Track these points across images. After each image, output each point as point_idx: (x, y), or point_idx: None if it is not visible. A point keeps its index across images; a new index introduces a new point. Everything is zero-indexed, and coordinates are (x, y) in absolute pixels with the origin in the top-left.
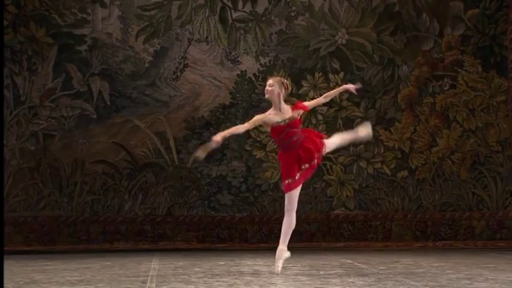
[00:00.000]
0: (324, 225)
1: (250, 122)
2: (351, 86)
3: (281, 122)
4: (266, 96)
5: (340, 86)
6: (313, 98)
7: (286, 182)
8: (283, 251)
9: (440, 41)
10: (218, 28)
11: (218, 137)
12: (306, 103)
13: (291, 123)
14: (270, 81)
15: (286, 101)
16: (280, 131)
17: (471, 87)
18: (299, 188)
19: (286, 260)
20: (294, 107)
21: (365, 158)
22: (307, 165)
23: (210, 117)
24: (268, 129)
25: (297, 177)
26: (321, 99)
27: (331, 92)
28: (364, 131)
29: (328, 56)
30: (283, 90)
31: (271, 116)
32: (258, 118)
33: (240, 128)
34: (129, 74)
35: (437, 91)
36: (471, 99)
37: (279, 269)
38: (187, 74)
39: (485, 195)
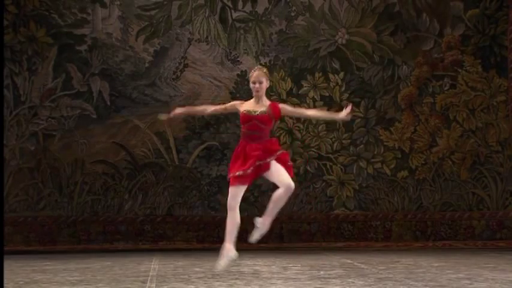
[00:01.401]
0: (324, 225)
1: (225, 104)
2: (343, 115)
3: (251, 111)
4: (259, 94)
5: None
6: (313, 98)
7: (237, 173)
8: (229, 250)
9: (440, 41)
10: (218, 28)
11: (179, 110)
12: (288, 108)
13: (259, 117)
14: (258, 76)
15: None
16: (247, 119)
17: (471, 87)
18: (245, 187)
19: (286, 261)
20: (272, 105)
21: (365, 158)
22: (261, 162)
23: (210, 117)
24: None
25: (249, 171)
26: (310, 112)
27: (325, 113)
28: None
29: (328, 56)
30: (268, 81)
31: (246, 104)
32: (233, 103)
33: (209, 108)
34: (129, 74)
35: (437, 91)
36: (471, 99)
37: (222, 266)
38: (187, 74)
39: (485, 195)
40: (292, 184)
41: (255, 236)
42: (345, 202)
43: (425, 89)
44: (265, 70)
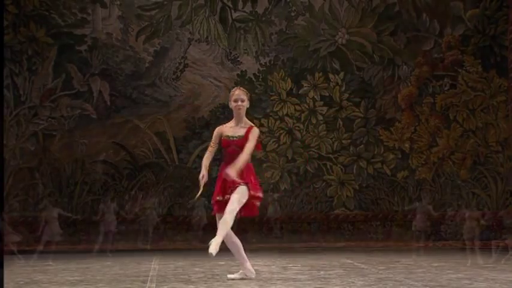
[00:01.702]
0: (324, 225)
1: (211, 143)
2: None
3: (230, 137)
4: (240, 112)
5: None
6: (313, 98)
7: (217, 198)
8: (249, 271)
9: (440, 41)
10: (218, 28)
11: (205, 177)
12: (249, 141)
13: (238, 142)
14: (239, 94)
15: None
16: (227, 144)
17: (471, 87)
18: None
19: (286, 261)
20: (248, 130)
21: (365, 158)
22: (228, 196)
23: (210, 117)
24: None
25: (226, 197)
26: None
27: (240, 160)
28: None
29: (328, 56)
30: (249, 101)
31: (226, 128)
32: (215, 134)
33: (209, 155)
34: (129, 74)
35: (437, 91)
36: (471, 99)
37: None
38: (187, 74)
39: (485, 195)
40: (226, 212)
41: (210, 249)
42: (345, 202)
43: (425, 89)
44: (245, 90)
